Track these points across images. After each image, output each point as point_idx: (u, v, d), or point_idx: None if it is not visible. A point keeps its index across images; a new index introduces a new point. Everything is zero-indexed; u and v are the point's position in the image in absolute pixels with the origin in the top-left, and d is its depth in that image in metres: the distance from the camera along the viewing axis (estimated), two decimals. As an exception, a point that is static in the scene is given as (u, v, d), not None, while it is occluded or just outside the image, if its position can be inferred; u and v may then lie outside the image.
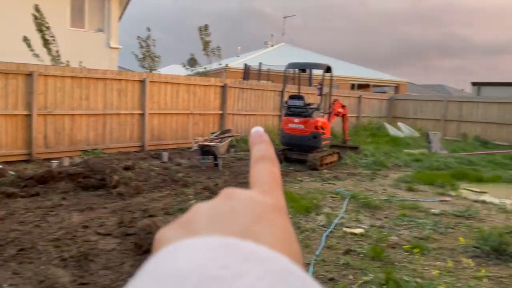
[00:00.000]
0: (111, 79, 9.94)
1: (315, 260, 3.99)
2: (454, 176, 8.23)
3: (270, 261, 0.23)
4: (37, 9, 11.28)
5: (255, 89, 13.27)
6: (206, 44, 14.56)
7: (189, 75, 14.31)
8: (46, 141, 8.94)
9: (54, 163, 8.05)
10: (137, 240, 4.01)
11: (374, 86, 24.82)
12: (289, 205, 5.37)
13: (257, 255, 0.23)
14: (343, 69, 22.76)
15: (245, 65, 17.24)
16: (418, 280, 3.61)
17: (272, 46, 27.49)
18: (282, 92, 12.44)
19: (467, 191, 7.29)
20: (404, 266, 3.95)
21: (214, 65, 16.65)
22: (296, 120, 9.05)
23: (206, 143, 8.40)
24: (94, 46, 14.78)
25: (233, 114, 12.56)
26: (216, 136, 9.17)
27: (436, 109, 16.84)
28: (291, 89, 12.50)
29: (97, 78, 9.68)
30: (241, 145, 11.78)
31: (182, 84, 11.37)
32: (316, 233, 4.74)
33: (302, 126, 8.99)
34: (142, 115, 10.49)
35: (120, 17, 16.53)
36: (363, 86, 24.03)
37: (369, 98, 17.54)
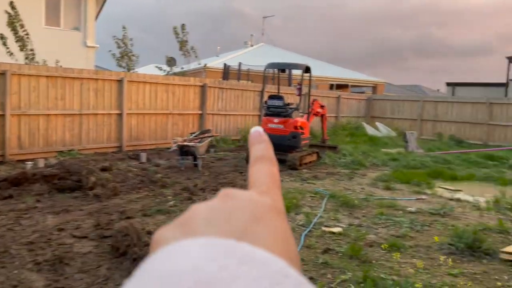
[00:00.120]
0: (88, 78, 9.77)
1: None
2: (430, 175, 8.40)
3: (267, 263, 0.23)
4: (12, 6, 10.99)
5: (235, 89, 13.25)
6: (182, 44, 14.46)
7: (167, 74, 14.19)
8: (20, 142, 8.71)
9: (29, 164, 7.85)
10: (114, 242, 3.95)
11: (353, 86, 25.13)
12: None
13: (254, 257, 0.23)
14: (322, 70, 22.96)
15: (225, 65, 17.20)
16: (395, 277, 3.67)
17: (252, 46, 27.52)
18: (261, 92, 12.46)
19: (442, 189, 7.45)
20: (381, 264, 4.00)
21: (193, 65, 16.56)
22: (276, 120, 9.07)
23: (185, 143, 8.34)
24: (70, 45, 14.48)
25: (212, 114, 12.51)
26: (196, 136, 9.12)
27: (413, 109, 17.17)
28: (271, 89, 12.54)
29: (73, 78, 9.50)
30: (221, 145, 11.74)
31: (161, 83, 11.26)
32: (295, 232, 4.77)
33: (281, 126, 9.02)
34: (120, 115, 10.34)
35: (97, 16, 16.25)
36: (342, 86, 24.30)
37: (347, 98, 17.74)
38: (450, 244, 4.46)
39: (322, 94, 16.22)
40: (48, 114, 9.11)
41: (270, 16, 36.52)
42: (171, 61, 15.19)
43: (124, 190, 6.33)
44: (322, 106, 10.63)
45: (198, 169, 8.23)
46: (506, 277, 3.82)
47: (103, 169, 7.23)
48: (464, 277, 3.80)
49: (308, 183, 7.56)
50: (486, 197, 6.75)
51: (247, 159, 9.19)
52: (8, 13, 10.91)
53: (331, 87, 23.72)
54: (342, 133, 14.95)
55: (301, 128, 9.14)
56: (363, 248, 4.29)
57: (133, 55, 13.94)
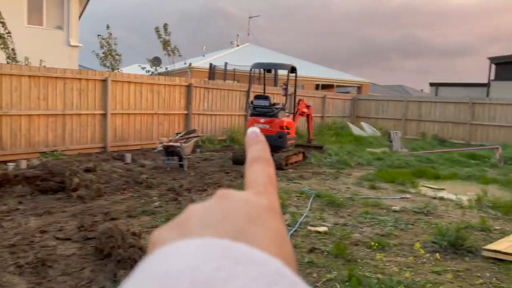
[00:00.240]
0: (71, 78, 9.63)
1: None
2: (414, 174, 8.51)
3: (263, 264, 0.23)
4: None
5: (221, 89, 13.22)
6: (165, 44, 14.36)
7: (152, 74, 14.09)
8: (1, 143, 8.54)
9: (10, 166, 7.70)
10: (98, 244, 3.90)
11: (338, 86, 25.30)
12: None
13: (250, 258, 0.23)
14: (307, 70, 23.07)
15: (211, 64, 17.14)
16: (380, 276, 3.71)
17: (238, 46, 27.49)
18: (247, 92, 12.46)
19: (426, 188, 7.55)
20: (366, 263, 4.04)
21: (179, 65, 16.46)
22: (262, 120, 9.08)
23: (171, 143, 8.28)
24: (53, 44, 14.25)
25: (198, 114, 12.46)
26: (181, 136, 9.07)
27: (397, 109, 17.37)
28: (257, 89, 12.55)
29: (56, 77, 9.35)
30: (207, 146, 11.70)
31: (146, 83, 11.17)
32: (281, 232, 4.77)
33: (267, 126, 9.03)
34: (104, 115, 10.22)
35: (80, 15, 16.02)
36: (327, 87, 24.44)
37: (333, 98, 17.86)
38: (434, 242, 4.52)
39: (308, 94, 16.29)
40: (30, 115, 8.96)
41: (255, 16, 36.50)
42: (155, 61, 15.07)
43: (108, 191, 6.26)
44: (308, 106, 10.68)
45: (183, 169, 8.18)
46: (488, 274, 3.89)
47: (87, 170, 7.14)
48: (447, 275, 3.85)
49: (294, 183, 7.58)
50: (468, 196, 6.87)
51: (233, 160, 9.19)
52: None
53: (317, 87, 23.84)
54: (328, 133, 15.04)
55: (287, 128, 9.17)
56: (348, 247, 4.33)
57: (117, 55, 13.80)
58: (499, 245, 4.35)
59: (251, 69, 10.11)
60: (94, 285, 3.38)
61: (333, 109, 17.60)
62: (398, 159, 10.18)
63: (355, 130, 16.12)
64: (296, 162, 9.37)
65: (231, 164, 9.06)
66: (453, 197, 6.86)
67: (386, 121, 17.46)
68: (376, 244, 4.44)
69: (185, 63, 17.17)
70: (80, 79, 9.79)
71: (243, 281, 0.21)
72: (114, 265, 3.60)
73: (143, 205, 5.64)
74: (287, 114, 9.72)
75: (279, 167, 8.65)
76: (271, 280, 0.22)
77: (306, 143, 11.02)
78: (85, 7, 16.14)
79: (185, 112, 12.09)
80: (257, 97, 9.50)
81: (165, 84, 11.60)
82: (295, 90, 10.41)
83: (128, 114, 10.77)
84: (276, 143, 9.00)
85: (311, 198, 6.30)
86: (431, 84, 27.16)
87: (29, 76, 8.90)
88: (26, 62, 10.74)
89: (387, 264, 4.04)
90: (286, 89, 9.86)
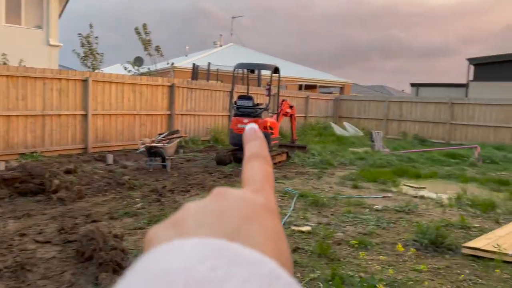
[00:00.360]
0: (51, 78, 9.46)
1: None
2: (395, 173, 8.62)
3: (258, 264, 0.23)
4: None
5: (204, 89, 13.17)
6: (146, 43, 14.24)
7: (134, 74, 13.95)
8: (-22, 144, 8.34)
9: (-12, 167, 7.52)
10: (79, 247, 3.83)
11: (321, 86, 25.48)
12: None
13: (246, 258, 0.23)
14: (291, 70, 23.17)
15: (194, 64, 17.05)
16: (362, 274, 3.75)
17: (221, 46, 27.43)
18: (231, 92, 12.43)
19: (407, 187, 7.66)
20: (349, 262, 4.07)
21: (161, 65, 16.34)
22: (245, 120, 9.07)
23: (153, 144, 8.21)
24: (33, 43, 13.97)
25: (181, 114, 12.38)
26: (164, 137, 8.99)
27: (379, 109, 17.59)
28: (240, 89, 12.53)
29: (36, 77, 9.17)
30: (190, 146, 11.63)
31: (128, 83, 11.04)
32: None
33: (251, 126, 9.02)
34: (85, 116, 10.07)
35: (60, 14, 15.74)
36: (310, 87, 24.59)
37: (316, 98, 17.98)
38: (415, 240, 4.59)
39: (291, 95, 16.36)
40: (9, 115, 8.76)
41: (239, 17, 36.52)
42: (137, 61, 14.93)
43: (89, 193, 6.17)
44: (291, 107, 10.72)
45: (167, 170, 8.12)
46: (467, 271, 3.97)
47: (68, 172, 7.02)
48: (428, 272, 3.92)
49: (277, 182, 7.60)
50: (448, 194, 7.00)
51: (216, 160, 9.16)
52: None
53: (300, 87, 23.96)
54: (311, 133, 15.13)
55: (271, 128, 9.19)
56: (332, 247, 4.36)
57: (98, 54, 13.61)
58: (478, 243, 4.44)
59: (234, 69, 10.10)
60: (75, 289, 3.32)
61: (316, 109, 17.71)
62: (380, 158, 10.31)
63: (338, 130, 16.26)
64: (279, 162, 9.39)
65: (214, 164, 9.03)
66: (433, 195, 6.97)
67: (368, 121, 17.66)
68: (359, 243, 4.48)
69: (167, 63, 17.06)
70: (60, 79, 9.62)
71: (237, 282, 0.21)
72: (96, 268, 3.54)
73: (125, 207, 5.57)
74: (270, 114, 9.74)
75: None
76: (265, 281, 0.22)
77: (290, 143, 11.06)
78: (65, 6, 15.87)
79: (168, 112, 12.00)
80: (240, 97, 9.49)
81: (147, 84, 11.49)
82: (278, 91, 10.44)
83: (110, 114, 10.63)
84: (259, 143, 8.99)
85: (295, 198, 6.32)
86: (412, 85, 27.58)
87: (7, 76, 8.71)
88: (4, 61, 10.50)
89: (370, 262, 4.08)
90: (269, 90, 9.88)
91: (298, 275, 3.74)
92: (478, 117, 15.38)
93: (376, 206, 6.14)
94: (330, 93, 23.83)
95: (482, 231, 5.11)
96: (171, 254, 0.23)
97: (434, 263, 4.14)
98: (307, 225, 5.14)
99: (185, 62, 21.14)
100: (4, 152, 8.62)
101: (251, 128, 0.38)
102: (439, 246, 4.44)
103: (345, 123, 17.10)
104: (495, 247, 4.13)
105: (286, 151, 9.94)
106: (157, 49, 14.42)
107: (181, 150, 10.53)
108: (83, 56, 13.46)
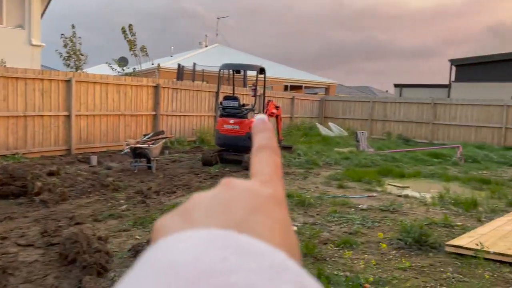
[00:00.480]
0: (33, 78, 9.30)
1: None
2: (380, 173, 8.72)
3: (266, 255, 0.23)
4: None
5: (190, 90, 13.11)
6: (131, 44, 14.14)
7: (120, 73, 13.82)
8: (-43, 146, 8.15)
9: (-33, 170, 7.35)
10: (62, 250, 3.77)
11: (306, 87, 25.60)
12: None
13: (254, 249, 0.23)
14: (276, 71, 23.22)
15: (179, 65, 16.96)
16: (348, 273, 3.77)
17: (206, 46, 27.34)
18: (217, 93, 12.40)
19: (392, 186, 7.75)
20: (335, 261, 4.10)
21: (146, 65, 16.21)
22: (231, 121, 9.07)
23: (138, 145, 8.13)
24: (14, 43, 13.71)
25: (167, 115, 12.30)
26: (149, 138, 8.92)
27: (363, 110, 17.76)
28: (226, 90, 12.51)
29: (17, 78, 9.01)
30: (175, 147, 11.56)
31: (112, 84, 10.92)
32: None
33: (237, 127, 9.02)
34: (68, 116, 9.93)
35: (42, 13, 15.50)
36: (296, 88, 24.69)
37: (301, 99, 18.06)
38: (399, 239, 4.64)
39: (276, 95, 16.40)
40: (-11, 116, 8.59)
41: (224, 17, 36.47)
42: (122, 61, 14.79)
43: (73, 195, 6.08)
44: (277, 107, 10.74)
45: (152, 171, 8.06)
46: (451, 269, 4.03)
47: (50, 174, 6.91)
48: (412, 271, 3.97)
49: (263, 183, 7.60)
50: (431, 193, 7.10)
51: (202, 161, 9.12)
52: None
53: (286, 88, 24.04)
54: (297, 133, 15.18)
55: (256, 128, 9.19)
56: (317, 246, 4.38)
57: (81, 54, 13.44)
58: (461, 241, 4.52)
59: (220, 70, 10.08)
60: (59, 292, 3.27)
61: (302, 110, 17.79)
62: (364, 158, 10.40)
63: (323, 130, 16.36)
64: (265, 162, 9.39)
65: (200, 165, 8.99)
66: (417, 195, 7.06)
67: (353, 121, 17.81)
68: (344, 242, 4.51)
69: (152, 64, 16.94)
70: (42, 79, 9.47)
71: (246, 273, 0.21)
72: (80, 271, 3.49)
73: (109, 209, 5.51)
74: (256, 114, 9.74)
75: (249, 168, 8.64)
76: (274, 271, 0.22)
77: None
78: (47, 5, 15.62)
79: (153, 113, 11.91)
80: (226, 98, 9.47)
81: (132, 85, 11.39)
82: (264, 91, 10.46)
83: (94, 115, 10.50)
84: (245, 144, 9.00)
85: (281, 198, 6.33)
86: (396, 85, 27.91)
87: (-13, 76, 8.53)
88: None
89: (355, 261, 4.12)
90: (255, 90, 9.88)
91: (285, 275, 3.75)
92: (460, 117, 15.65)
93: (361, 206, 6.19)
94: (316, 93, 23.96)
95: (465, 229, 5.20)
96: (179, 246, 0.23)
97: (418, 261, 4.19)
98: (293, 225, 5.15)
99: (170, 63, 21.00)
100: (-16, 154, 8.45)
101: (260, 119, 0.37)
102: (423, 245, 4.50)
103: (330, 124, 17.21)
104: (478, 245, 4.20)
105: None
106: (143, 49, 14.31)
107: (167, 151, 10.46)
108: (66, 57, 13.26)
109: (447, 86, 24.09)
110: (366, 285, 3.37)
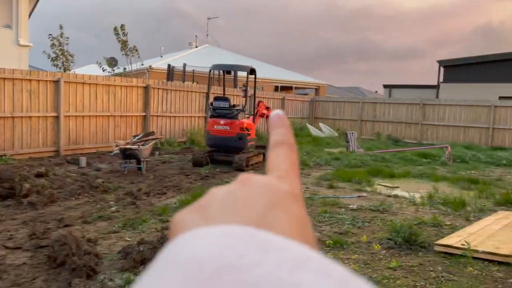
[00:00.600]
0: (21, 79, 9.19)
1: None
2: (370, 173, 8.77)
3: (286, 249, 0.23)
4: None
5: (180, 90, 13.06)
6: (123, 44, 14.05)
7: (109, 74, 13.71)
8: None
9: (-47, 172, 7.23)
10: (51, 252, 3.73)
11: (296, 88, 25.67)
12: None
13: (273, 244, 0.23)
14: (267, 72, 23.24)
15: (169, 65, 16.88)
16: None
17: (197, 47, 27.25)
18: (207, 93, 12.38)
19: (381, 186, 7.80)
20: (325, 261, 4.11)
21: (136, 66, 16.11)
22: (222, 121, 9.05)
23: (128, 146, 8.08)
24: (1, 43, 13.52)
25: (157, 116, 12.24)
26: (139, 139, 8.86)
27: (353, 110, 17.86)
28: (216, 90, 12.49)
29: (4, 78, 8.90)
30: (166, 148, 11.51)
31: (101, 84, 10.84)
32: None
33: (227, 128, 9.01)
34: (56, 117, 9.82)
35: (30, 13, 15.31)
36: (286, 88, 24.74)
37: (292, 99, 18.11)
38: (389, 239, 4.67)
39: (267, 96, 16.42)
40: (-24, 117, 8.46)
41: (214, 18, 36.39)
42: (112, 62, 14.68)
43: (62, 196, 6.02)
44: (267, 108, 10.75)
45: (142, 172, 8.01)
46: (440, 268, 4.07)
47: (39, 175, 6.83)
48: (402, 270, 4.00)
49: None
50: (421, 193, 7.16)
51: (193, 162, 9.09)
52: None
53: (276, 89, 24.07)
54: (287, 134, 15.19)
55: (247, 129, 9.19)
56: (308, 247, 4.38)
57: (69, 55, 13.32)
58: (450, 240, 4.56)
59: (210, 71, 10.06)
60: (47, 296, 3.23)
61: (292, 110, 17.84)
62: (354, 158, 10.46)
63: (314, 131, 16.42)
64: (256, 163, 9.40)
65: (191, 166, 8.96)
66: (406, 194, 7.12)
67: (343, 122, 17.90)
68: (335, 243, 4.53)
69: (142, 64, 16.83)
70: (30, 80, 9.36)
71: (267, 268, 0.21)
72: (69, 273, 3.46)
73: (99, 210, 5.46)
74: (247, 115, 9.75)
75: (239, 168, 8.65)
76: (296, 264, 0.22)
77: (266, 144, 11.08)
78: (35, 5, 15.43)
79: (143, 114, 11.84)
80: (216, 98, 9.46)
81: (121, 85, 11.31)
82: (254, 92, 10.46)
83: (83, 116, 10.41)
84: (236, 145, 9.00)
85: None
86: (385, 86, 28.11)
87: (-26, 76, 8.41)
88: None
89: (346, 262, 4.13)
90: (245, 91, 9.88)
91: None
92: (448, 117, 15.82)
93: (352, 206, 6.22)
94: (306, 94, 24.04)
95: (454, 228, 5.25)
96: (198, 242, 0.23)
97: (407, 261, 4.23)
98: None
99: (160, 63, 20.90)
100: (-29, 156, 8.32)
101: (276, 114, 0.36)
102: (412, 244, 4.53)
103: (321, 124, 17.28)
104: (466, 244, 4.25)
105: (262, 152, 9.96)
106: (134, 49, 14.23)
107: (157, 152, 10.41)
108: (54, 57, 13.12)
109: (436, 87, 24.33)
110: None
